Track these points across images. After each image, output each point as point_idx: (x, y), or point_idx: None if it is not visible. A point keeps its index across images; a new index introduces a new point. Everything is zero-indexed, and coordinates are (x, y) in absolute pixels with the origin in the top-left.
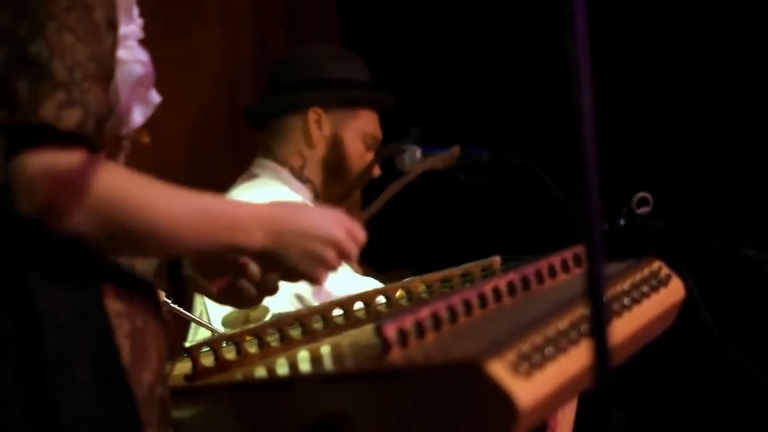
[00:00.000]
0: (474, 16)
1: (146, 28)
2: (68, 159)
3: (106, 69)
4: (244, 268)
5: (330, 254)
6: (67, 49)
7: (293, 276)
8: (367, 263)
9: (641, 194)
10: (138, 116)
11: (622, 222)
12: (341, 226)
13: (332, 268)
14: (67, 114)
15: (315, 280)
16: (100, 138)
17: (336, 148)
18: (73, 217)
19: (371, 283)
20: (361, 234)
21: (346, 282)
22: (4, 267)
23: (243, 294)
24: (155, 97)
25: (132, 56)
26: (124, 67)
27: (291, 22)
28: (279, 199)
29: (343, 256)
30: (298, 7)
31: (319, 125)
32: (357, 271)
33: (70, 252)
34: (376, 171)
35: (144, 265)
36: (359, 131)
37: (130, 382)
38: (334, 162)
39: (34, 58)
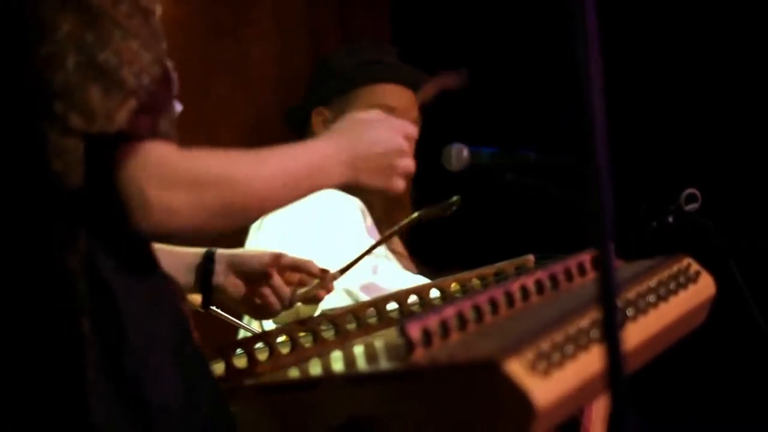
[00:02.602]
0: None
1: (200, 33)
2: (157, 153)
3: (167, 70)
4: (269, 277)
5: (399, 163)
6: (133, 56)
7: (374, 193)
8: (421, 262)
9: (690, 190)
10: None
11: (670, 219)
12: (399, 131)
13: (403, 174)
14: (142, 120)
15: (393, 191)
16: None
17: None
18: (175, 208)
19: (420, 281)
20: (413, 131)
21: (397, 278)
22: (84, 262)
23: (263, 303)
24: (178, 107)
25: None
26: None
27: (344, 26)
28: (332, 199)
29: (409, 158)
30: (351, 10)
31: (325, 123)
32: (410, 268)
33: (134, 244)
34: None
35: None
36: (366, 105)
37: (209, 367)
38: None
39: (104, 66)
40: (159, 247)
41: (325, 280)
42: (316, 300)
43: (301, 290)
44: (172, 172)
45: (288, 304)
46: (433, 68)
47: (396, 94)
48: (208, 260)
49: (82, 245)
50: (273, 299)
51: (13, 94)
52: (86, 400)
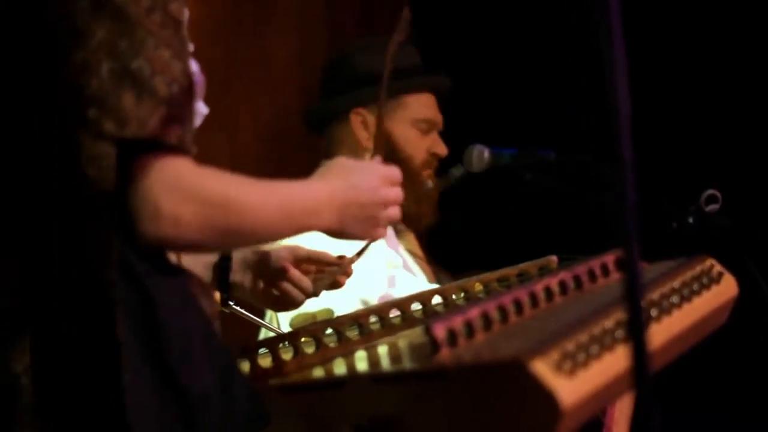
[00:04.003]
0: (540, 16)
1: (221, 31)
2: (176, 167)
3: (192, 81)
4: (286, 271)
5: (384, 214)
6: (165, 65)
7: (355, 239)
8: (438, 264)
9: (710, 191)
10: None
11: (690, 220)
12: (385, 181)
13: (385, 225)
14: (171, 128)
15: (372, 239)
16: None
17: (386, 143)
18: (184, 222)
19: None
20: (397, 175)
21: (413, 290)
22: (119, 265)
23: (284, 296)
24: (203, 109)
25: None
26: None
27: (365, 24)
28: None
29: (393, 207)
30: (372, 8)
31: (365, 125)
32: (427, 272)
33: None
34: (443, 150)
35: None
36: (408, 119)
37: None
38: (389, 157)
39: (137, 73)
40: None
41: (342, 266)
42: (337, 285)
43: (323, 279)
44: (186, 187)
45: (312, 293)
46: (452, 68)
47: (432, 105)
48: (225, 258)
49: (116, 249)
50: (294, 291)
51: (49, 100)
52: (123, 404)
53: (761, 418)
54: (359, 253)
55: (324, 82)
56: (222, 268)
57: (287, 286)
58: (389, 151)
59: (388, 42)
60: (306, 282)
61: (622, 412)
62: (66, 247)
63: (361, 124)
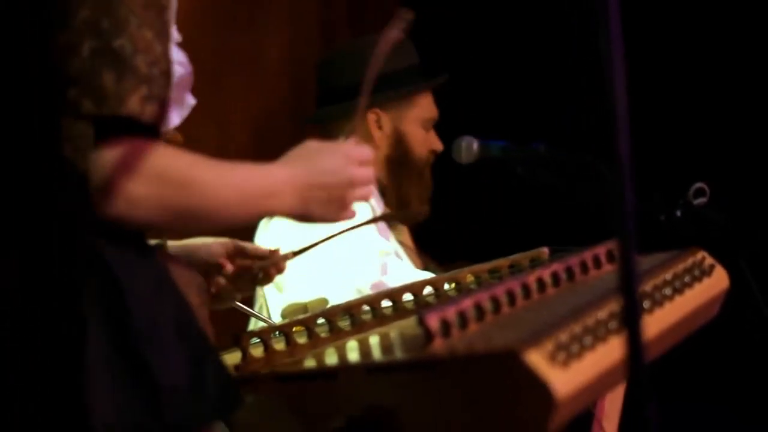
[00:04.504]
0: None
1: (212, 25)
2: (142, 147)
3: (171, 66)
4: (222, 267)
5: (350, 195)
6: (147, 46)
7: (320, 221)
8: (428, 255)
9: (698, 185)
10: (175, 117)
11: (678, 213)
12: (353, 161)
13: (352, 206)
14: (149, 107)
15: (342, 221)
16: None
17: (399, 144)
18: (138, 200)
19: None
20: (368, 154)
21: (406, 278)
22: (87, 248)
23: (220, 292)
24: (191, 100)
25: (174, 56)
26: None
27: (357, 20)
28: None
29: (362, 187)
30: (364, 4)
31: (379, 125)
32: (416, 263)
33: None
34: (440, 146)
35: None
36: (418, 118)
37: (212, 343)
38: (399, 156)
39: (119, 52)
40: None
41: (273, 259)
42: (268, 280)
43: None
44: (146, 166)
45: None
46: (443, 63)
47: (432, 102)
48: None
49: (85, 232)
50: (228, 288)
51: (32, 82)
52: (87, 393)
53: (754, 408)
54: (297, 253)
55: (330, 81)
56: None
57: (221, 281)
58: (400, 151)
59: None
60: (243, 278)
61: (612, 404)
62: (35, 229)
63: (375, 123)
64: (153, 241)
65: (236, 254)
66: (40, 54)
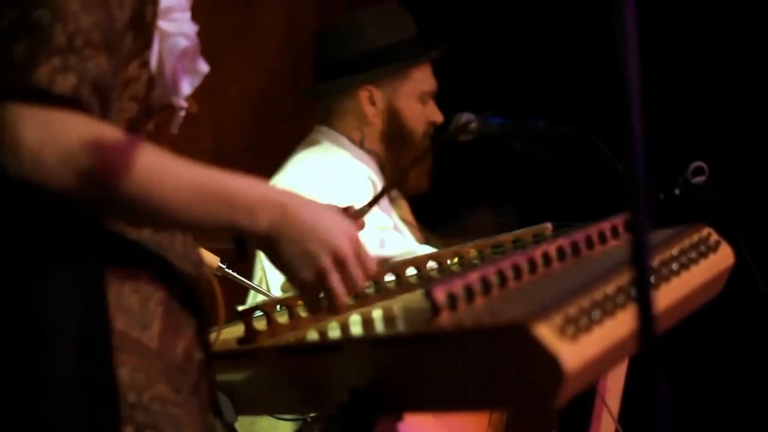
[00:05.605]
0: None
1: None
2: (63, 121)
3: (112, 39)
4: None
5: (327, 261)
6: (70, 16)
7: (283, 270)
8: (428, 229)
9: (697, 163)
10: (186, 87)
11: (677, 191)
12: (350, 240)
13: (324, 275)
14: (62, 78)
15: (302, 282)
16: (104, 105)
17: (394, 119)
18: (56, 170)
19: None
20: (370, 263)
21: (404, 252)
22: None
23: None
24: (203, 67)
25: (176, 28)
26: (168, 39)
27: None
28: (341, 165)
29: (342, 271)
30: None
31: (372, 101)
32: (419, 240)
33: (74, 231)
34: (440, 118)
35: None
36: (414, 92)
37: (114, 367)
38: (394, 132)
39: (36, 22)
40: None
41: None
42: None
43: None
44: (60, 138)
45: None
46: (441, 36)
47: (431, 73)
48: None
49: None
50: None
51: None
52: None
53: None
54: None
55: (326, 54)
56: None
57: None
58: (395, 126)
59: (397, 14)
60: None
61: (615, 380)
62: None
63: (367, 99)
64: None
65: None
66: None
